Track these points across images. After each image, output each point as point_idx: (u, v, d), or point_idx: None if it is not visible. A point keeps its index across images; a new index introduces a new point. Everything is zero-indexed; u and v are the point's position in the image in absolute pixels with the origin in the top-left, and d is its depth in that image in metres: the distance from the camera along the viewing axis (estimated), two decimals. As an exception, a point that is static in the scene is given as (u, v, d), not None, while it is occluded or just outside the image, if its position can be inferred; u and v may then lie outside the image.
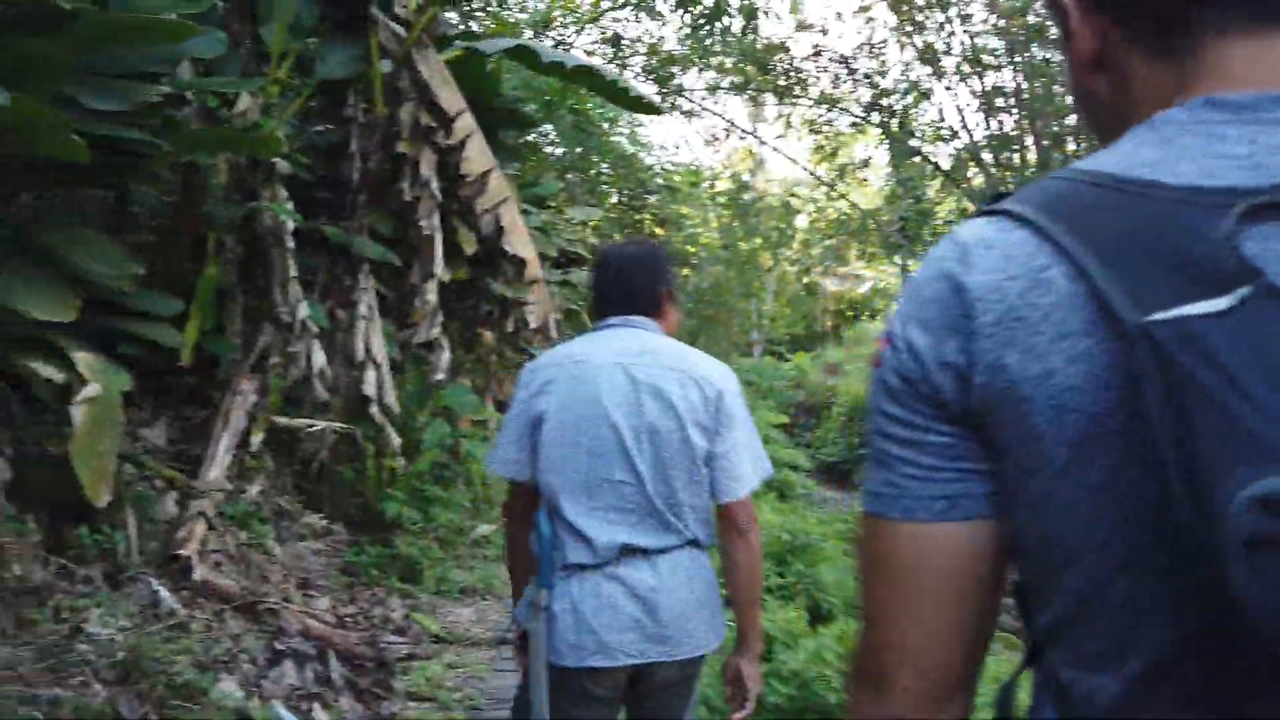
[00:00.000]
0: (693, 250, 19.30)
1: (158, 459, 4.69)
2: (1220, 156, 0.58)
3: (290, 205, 5.08)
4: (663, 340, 2.02)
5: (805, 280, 17.20)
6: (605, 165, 13.22)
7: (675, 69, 15.01)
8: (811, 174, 16.41)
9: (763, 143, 17.23)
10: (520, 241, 5.71)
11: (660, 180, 17.71)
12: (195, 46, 4.24)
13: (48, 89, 3.30)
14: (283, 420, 5.02)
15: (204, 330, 4.95)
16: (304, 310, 5.02)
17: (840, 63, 13.42)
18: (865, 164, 15.93)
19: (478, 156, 5.60)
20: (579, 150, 9.45)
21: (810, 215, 17.54)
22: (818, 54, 13.37)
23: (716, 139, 17.83)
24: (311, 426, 5.08)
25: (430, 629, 4.61)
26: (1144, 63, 0.65)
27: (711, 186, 20.81)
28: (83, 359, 3.51)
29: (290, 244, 5.07)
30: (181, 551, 4.07)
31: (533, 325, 5.75)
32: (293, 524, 5.03)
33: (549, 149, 11.71)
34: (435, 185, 5.46)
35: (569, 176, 11.21)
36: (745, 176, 19.81)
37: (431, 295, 5.46)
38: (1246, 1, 0.61)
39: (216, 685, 3.41)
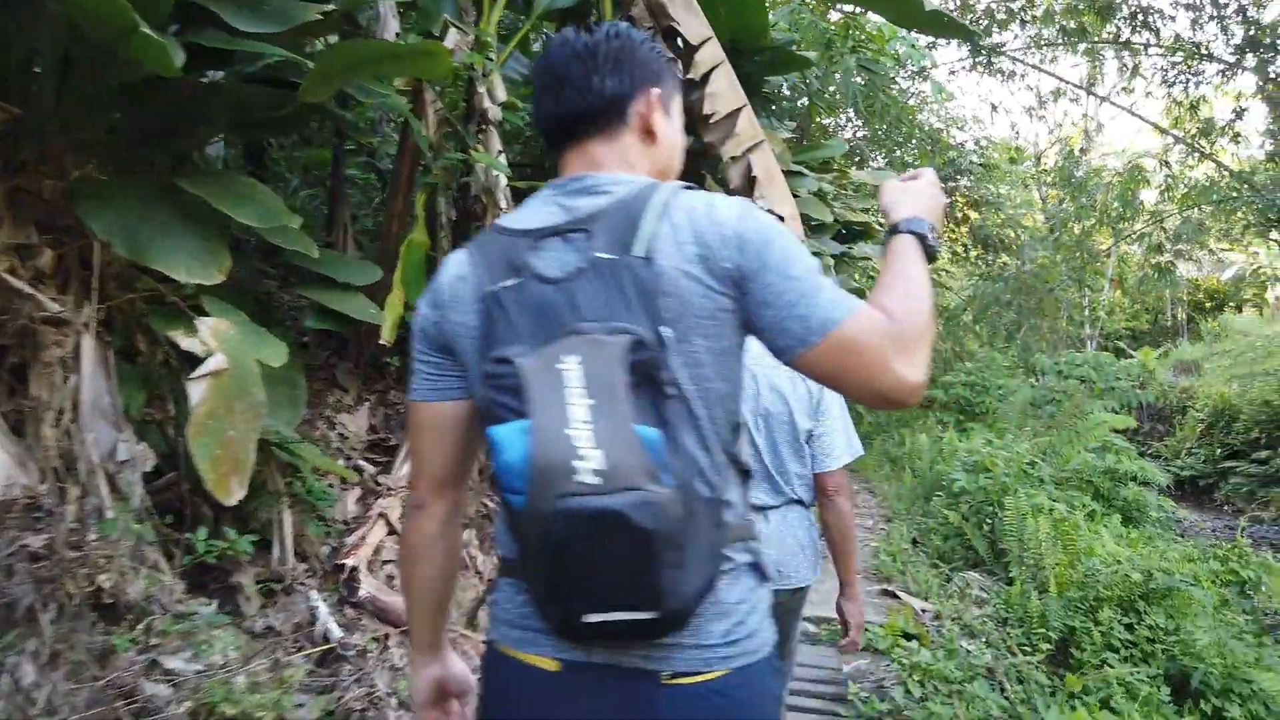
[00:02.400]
0: (1013, 235, 17.02)
1: (354, 449, 4.13)
2: (541, 211, 1.30)
3: (503, 159, 4.35)
4: None
5: (1156, 260, 14.39)
6: (904, 137, 11.66)
7: (990, 25, 13.17)
8: (1167, 134, 13.68)
9: (1102, 100, 14.67)
10: (777, 195, 4.59)
11: (975, 159, 15.70)
12: (377, -37, 3.60)
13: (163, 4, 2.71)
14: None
15: (409, 304, 4.35)
16: (515, 280, 4.25)
17: (1203, -4, 11.04)
18: (1239, 117, 12.99)
19: (726, 93, 4.57)
20: (870, 108, 8.08)
21: (1160, 185, 14.67)
22: (1174, -14, 11.06)
23: (1043, 103, 15.51)
24: (523, 417, 4.30)
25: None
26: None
27: (1038, 162, 18.29)
28: (209, 324, 2.90)
29: (504, 203, 4.33)
30: (347, 561, 3.42)
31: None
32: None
33: (843, 121, 10.41)
34: (671, 128, 4.49)
35: (857, 136, 9.85)
36: (1079, 144, 17.13)
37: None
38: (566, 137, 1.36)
39: (340, 745, 2.65)
